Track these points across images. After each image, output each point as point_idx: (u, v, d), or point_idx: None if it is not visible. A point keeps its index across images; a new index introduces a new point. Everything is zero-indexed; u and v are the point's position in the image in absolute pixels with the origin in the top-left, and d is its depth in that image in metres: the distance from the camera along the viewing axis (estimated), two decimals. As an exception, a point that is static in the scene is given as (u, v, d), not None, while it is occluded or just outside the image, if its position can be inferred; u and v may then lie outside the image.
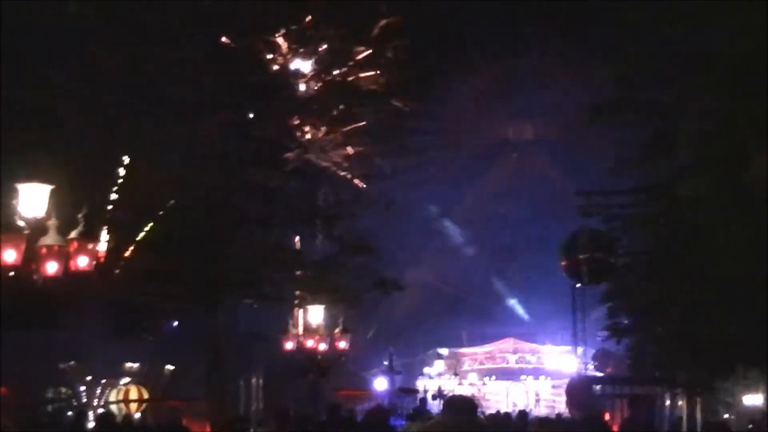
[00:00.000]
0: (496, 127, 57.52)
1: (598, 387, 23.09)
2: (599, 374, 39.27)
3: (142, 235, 15.99)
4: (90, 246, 11.89)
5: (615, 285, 16.18)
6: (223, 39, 16.63)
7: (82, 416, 22.23)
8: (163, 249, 15.50)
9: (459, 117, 56.12)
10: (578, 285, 36.41)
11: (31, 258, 11.22)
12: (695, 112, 5.31)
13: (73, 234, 11.64)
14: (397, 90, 19.44)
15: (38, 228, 11.23)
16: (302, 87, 18.06)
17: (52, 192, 11.25)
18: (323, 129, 17.07)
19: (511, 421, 22.53)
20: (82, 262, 11.70)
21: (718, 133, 5.26)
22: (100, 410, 33.95)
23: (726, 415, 34.82)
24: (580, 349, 41.53)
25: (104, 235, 15.44)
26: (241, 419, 18.27)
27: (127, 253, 15.91)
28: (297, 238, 16.87)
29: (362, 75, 19.37)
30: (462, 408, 5.79)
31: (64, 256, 11.49)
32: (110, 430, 17.46)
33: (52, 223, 11.33)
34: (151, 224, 15.85)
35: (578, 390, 8.89)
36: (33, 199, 11.11)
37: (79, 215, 11.69)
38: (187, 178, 15.22)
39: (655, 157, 5.46)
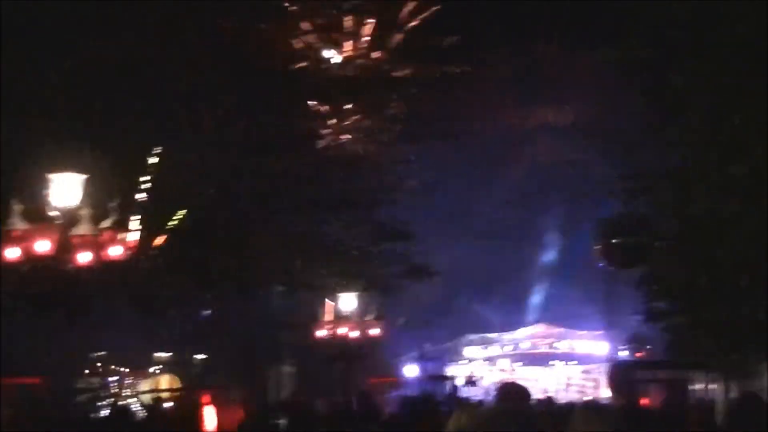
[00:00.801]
0: (531, 111, 57.10)
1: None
2: (634, 358, 39.01)
3: (173, 223, 15.90)
4: (123, 236, 11.83)
5: (650, 269, 15.96)
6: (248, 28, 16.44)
7: (123, 410, 22.06)
8: (194, 237, 15.42)
9: (492, 101, 55.73)
10: (612, 269, 36.19)
11: (65, 247, 11.17)
12: (705, 97, 5.15)
13: (106, 224, 11.58)
14: (429, 76, 19.26)
15: (71, 217, 11.17)
16: (331, 72, 17.87)
17: (86, 181, 11.20)
18: (357, 115, 16.89)
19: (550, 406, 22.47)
20: (115, 251, 11.65)
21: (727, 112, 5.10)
22: (120, 403, 34.08)
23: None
24: (613, 333, 41.31)
25: (135, 224, 15.39)
26: (268, 408, 18.05)
27: (158, 242, 15.83)
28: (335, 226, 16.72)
29: (393, 61, 19.16)
30: (516, 396, 5.60)
31: (97, 245, 11.43)
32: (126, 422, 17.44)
33: (85, 212, 11.28)
34: (182, 213, 15.76)
35: (621, 375, 8.75)
36: (66, 189, 11.05)
37: (112, 204, 11.62)
38: (217, 167, 15.12)
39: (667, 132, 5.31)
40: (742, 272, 7.85)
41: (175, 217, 15.96)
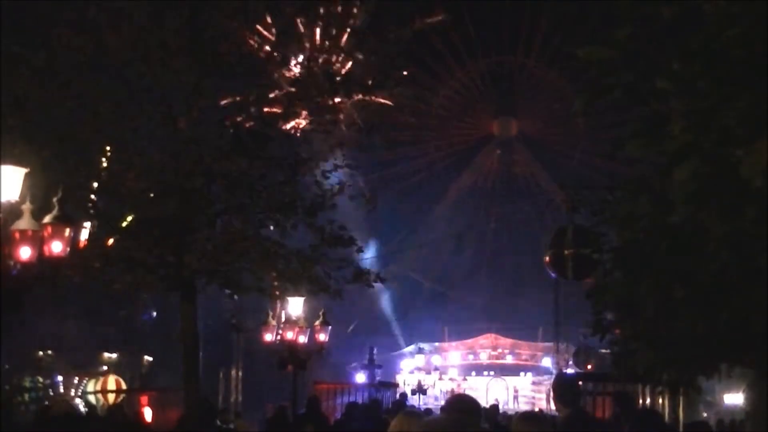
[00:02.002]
0: (480, 123, 57.44)
1: (580, 383, 22.93)
2: (580, 371, 39.21)
3: (124, 223, 15.70)
4: (65, 231, 11.58)
5: (599, 281, 15.95)
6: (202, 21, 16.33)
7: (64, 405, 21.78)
8: (139, 237, 15.23)
9: (444, 112, 56.03)
10: (562, 281, 36.38)
11: (4, 243, 10.93)
12: (687, 100, 5.11)
13: (47, 218, 11.34)
14: (383, 83, 19.23)
15: (12, 212, 10.93)
16: (287, 74, 17.79)
17: (27, 175, 10.96)
18: (307, 118, 16.78)
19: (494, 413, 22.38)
20: (57, 247, 11.40)
21: (710, 119, 5.06)
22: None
23: (705, 414, 34.83)
24: (562, 346, 41.52)
25: (86, 223, 15.20)
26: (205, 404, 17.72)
27: (109, 242, 15.61)
28: (278, 229, 16.60)
29: (349, 66, 19.13)
30: (465, 409, 5.45)
31: (38, 241, 11.19)
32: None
33: (26, 207, 11.04)
34: (133, 213, 15.56)
35: (565, 386, 8.70)
36: (7, 182, 10.82)
37: (54, 199, 11.39)
38: (164, 166, 14.94)
39: (649, 139, 5.25)
40: (693, 285, 7.82)
41: (125, 217, 15.75)
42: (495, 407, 25.17)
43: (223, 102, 16.95)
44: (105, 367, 38.37)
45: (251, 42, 18.12)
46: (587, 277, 24.77)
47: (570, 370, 39.46)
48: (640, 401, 25.32)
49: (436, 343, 56.53)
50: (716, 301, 7.48)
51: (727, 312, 7.42)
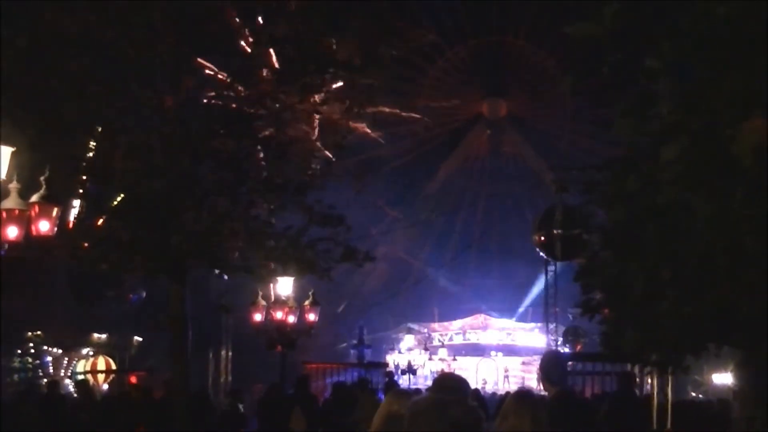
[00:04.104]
0: (469, 104, 57.31)
1: (569, 363, 22.97)
2: (569, 351, 39.29)
3: (113, 204, 15.64)
4: (53, 210, 11.54)
5: (588, 261, 15.94)
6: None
7: (54, 386, 21.64)
8: (128, 218, 15.16)
9: (433, 91, 55.88)
10: (551, 261, 36.39)
11: (-8, 222, 10.88)
12: (677, 76, 5.07)
13: (34, 197, 11.29)
14: (370, 62, 19.14)
15: (-1, 191, 10.89)
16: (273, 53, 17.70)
17: (14, 154, 10.91)
18: (295, 97, 16.70)
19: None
20: (44, 226, 11.36)
21: (700, 97, 5.02)
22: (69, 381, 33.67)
23: (693, 394, 34.92)
24: (552, 326, 41.56)
25: (74, 203, 15.15)
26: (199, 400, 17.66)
27: (99, 222, 15.57)
28: (267, 208, 16.54)
29: (337, 44, 19.01)
30: (452, 387, 5.44)
31: (25, 220, 11.15)
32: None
33: (13, 186, 10.99)
34: (120, 194, 15.49)
35: (553, 365, 8.68)
36: (-7, 161, 10.77)
37: (41, 178, 11.34)
38: (151, 146, 14.88)
39: (636, 118, 5.20)
40: (681, 264, 7.80)
41: (114, 198, 15.69)
42: (476, 390, 25.16)
43: (210, 82, 16.92)
44: (95, 348, 38.27)
45: (237, 21, 18.08)
46: (576, 257, 24.88)
47: (562, 350, 39.57)
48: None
49: (426, 324, 56.54)
50: (703, 281, 7.46)
51: (714, 293, 7.40)
